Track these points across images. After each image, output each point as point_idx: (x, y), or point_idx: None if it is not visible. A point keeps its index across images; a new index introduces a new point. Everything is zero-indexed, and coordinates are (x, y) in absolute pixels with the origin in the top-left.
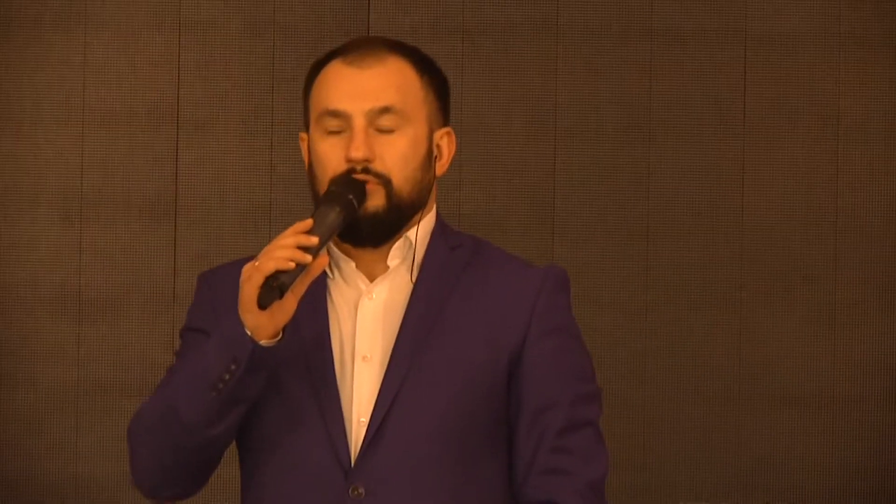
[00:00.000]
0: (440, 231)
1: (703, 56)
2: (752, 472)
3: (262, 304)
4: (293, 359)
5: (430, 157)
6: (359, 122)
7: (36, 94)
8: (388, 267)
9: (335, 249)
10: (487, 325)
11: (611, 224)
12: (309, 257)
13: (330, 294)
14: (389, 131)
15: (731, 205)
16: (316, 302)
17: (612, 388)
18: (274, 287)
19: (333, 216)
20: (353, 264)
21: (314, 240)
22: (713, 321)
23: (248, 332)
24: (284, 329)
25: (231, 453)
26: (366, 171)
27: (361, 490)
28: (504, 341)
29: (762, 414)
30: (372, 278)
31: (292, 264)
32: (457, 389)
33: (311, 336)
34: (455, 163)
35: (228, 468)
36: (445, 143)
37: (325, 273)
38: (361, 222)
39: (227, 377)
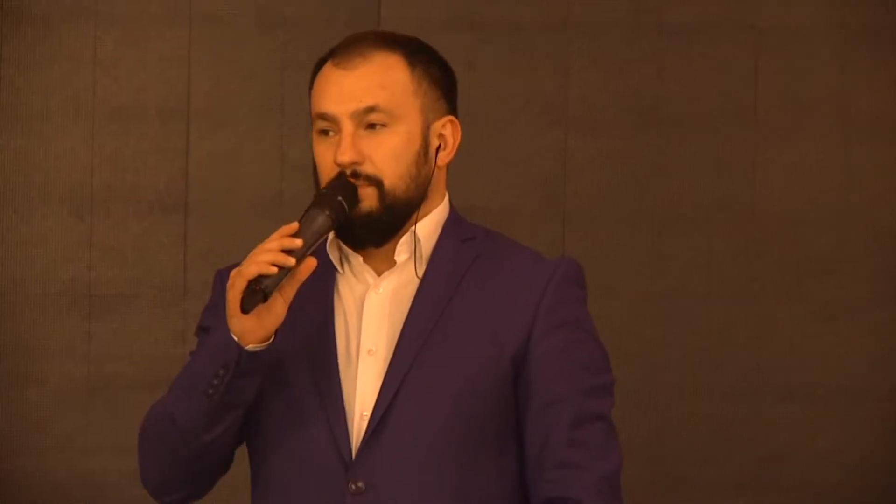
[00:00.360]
0: (452, 223)
1: (713, 50)
2: (764, 467)
3: (245, 308)
4: (296, 353)
5: (426, 150)
6: (345, 124)
7: (46, 90)
8: (396, 262)
9: (344, 245)
10: (493, 320)
11: (622, 215)
12: (292, 260)
13: (338, 289)
14: (379, 130)
15: (742, 197)
16: (322, 296)
17: (621, 380)
18: (257, 291)
19: (322, 219)
20: (361, 259)
21: (298, 242)
22: (724, 314)
23: (235, 338)
24: (277, 332)
25: (240, 452)
26: (355, 174)
27: (361, 485)
28: (508, 337)
29: (773, 407)
30: (380, 273)
31: (275, 269)
32: (459, 385)
33: (314, 330)
34: (466, 155)
35: (235, 467)
36: (449, 131)
37: (334, 268)
38: (356, 224)
39: (216, 383)
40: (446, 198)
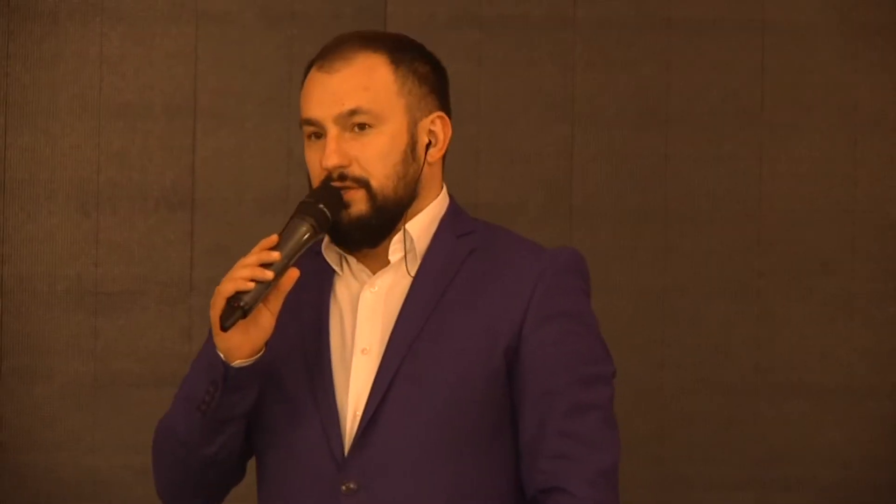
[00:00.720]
0: (450, 218)
1: (719, 47)
2: (769, 463)
3: (224, 326)
4: (292, 355)
5: (414, 148)
6: (331, 128)
7: (53, 87)
8: (390, 261)
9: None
10: (487, 313)
11: (627, 211)
12: (270, 274)
13: (335, 289)
14: (365, 132)
15: (746, 194)
16: (319, 298)
17: (624, 376)
18: (236, 308)
19: (304, 229)
20: (356, 259)
21: (275, 255)
22: (727, 311)
23: (222, 356)
24: (268, 344)
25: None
26: (342, 177)
27: (353, 485)
28: (502, 329)
29: (779, 403)
30: (376, 272)
31: (252, 284)
32: (451, 381)
33: (310, 331)
34: (472, 151)
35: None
36: (439, 127)
37: (332, 269)
38: (348, 228)
39: (207, 399)
40: (443, 193)
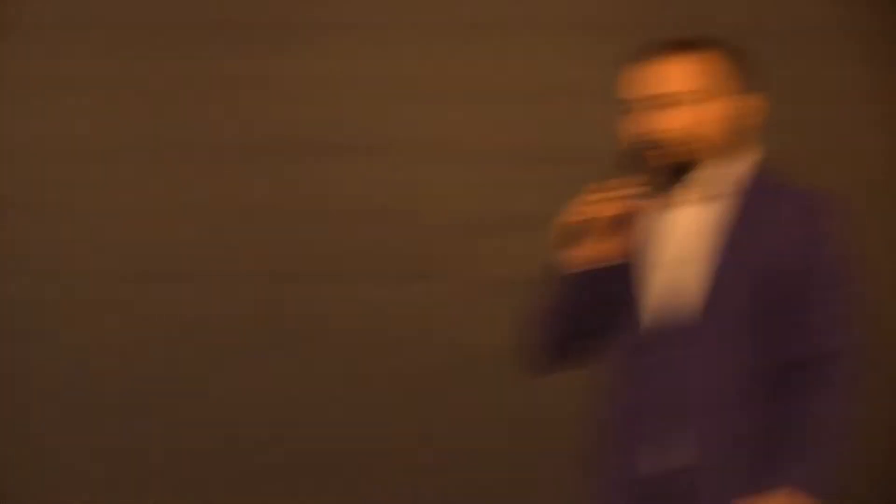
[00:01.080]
0: (750, 170)
1: None
2: None
3: (564, 246)
4: (627, 264)
5: (714, 119)
6: (651, 104)
7: (249, 121)
8: (698, 196)
9: (664, 188)
10: (765, 238)
11: None
12: (601, 209)
13: (657, 217)
14: (674, 108)
15: None
16: (646, 224)
17: None
18: (572, 234)
19: (629, 178)
20: (678, 196)
21: (604, 196)
22: None
23: (564, 267)
24: (619, 256)
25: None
26: (659, 140)
27: (662, 353)
28: (775, 250)
29: None
30: (688, 205)
31: (585, 217)
32: (741, 281)
33: (639, 247)
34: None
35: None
36: (734, 105)
37: (662, 204)
38: (662, 175)
39: (567, 294)
40: (746, 152)
